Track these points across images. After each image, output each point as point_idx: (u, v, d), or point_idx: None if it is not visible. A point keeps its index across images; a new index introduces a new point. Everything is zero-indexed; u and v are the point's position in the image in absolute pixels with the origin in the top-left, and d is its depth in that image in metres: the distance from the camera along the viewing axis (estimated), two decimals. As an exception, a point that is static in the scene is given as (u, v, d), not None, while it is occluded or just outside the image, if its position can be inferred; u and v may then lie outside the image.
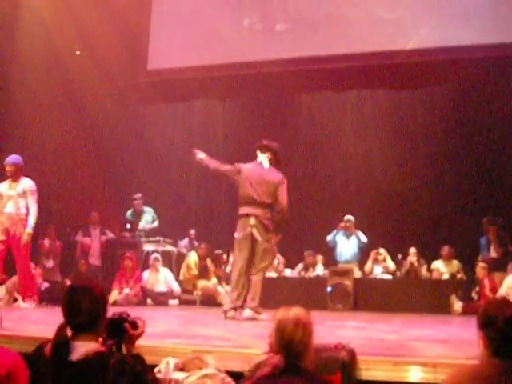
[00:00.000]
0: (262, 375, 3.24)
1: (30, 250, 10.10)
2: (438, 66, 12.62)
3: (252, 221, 8.41)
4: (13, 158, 10.07)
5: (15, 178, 9.99)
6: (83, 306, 3.16)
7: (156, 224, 13.77)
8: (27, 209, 9.92)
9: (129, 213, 13.85)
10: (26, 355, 3.47)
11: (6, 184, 10.03)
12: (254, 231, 8.39)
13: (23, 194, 9.93)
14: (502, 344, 3.06)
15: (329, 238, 13.10)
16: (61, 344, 3.12)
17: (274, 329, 3.31)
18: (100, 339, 3.30)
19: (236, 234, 8.60)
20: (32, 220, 9.89)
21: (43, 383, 3.11)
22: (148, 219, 13.71)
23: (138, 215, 13.75)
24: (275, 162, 8.85)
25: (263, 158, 8.79)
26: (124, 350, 3.32)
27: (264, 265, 8.66)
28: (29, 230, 9.84)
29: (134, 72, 14.67)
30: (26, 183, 10.05)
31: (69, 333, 3.23)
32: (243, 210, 8.54)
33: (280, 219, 8.65)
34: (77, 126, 14.61)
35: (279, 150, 8.94)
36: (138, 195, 13.79)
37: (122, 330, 3.31)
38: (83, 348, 3.10)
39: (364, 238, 12.92)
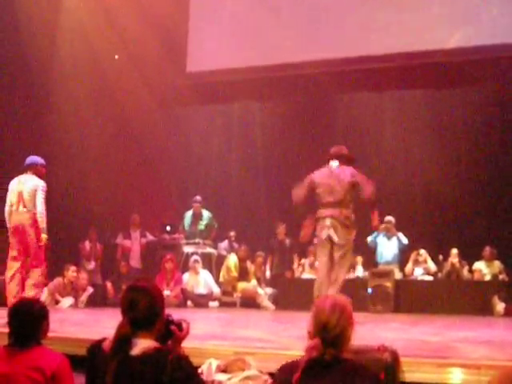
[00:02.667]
0: (304, 365, 3.21)
1: None
2: (478, 64, 12.50)
3: (328, 221, 8.38)
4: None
5: None
6: (141, 305, 3.28)
7: (214, 227, 13.92)
8: None
9: (187, 214, 13.88)
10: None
11: None
12: (331, 232, 8.37)
13: None
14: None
15: (369, 239, 13.02)
16: (122, 340, 3.24)
17: (312, 314, 3.28)
18: None
19: (315, 240, 8.60)
20: None
21: (102, 378, 3.22)
22: (204, 223, 13.75)
23: (197, 218, 13.79)
24: (348, 162, 8.83)
25: (333, 163, 8.78)
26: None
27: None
28: None
29: (172, 74, 14.74)
30: None
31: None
32: (319, 214, 8.52)
33: (370, 204, 8.71)
34: (116, 128, 14.74)
35: (346, 152, 8.92)
36: (198, 198, 13.80)
37: (169, 332, 3.38)
38: (143, 344, 3.22)
39: (405, 240, 12.83)
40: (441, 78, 13.10)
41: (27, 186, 8.67)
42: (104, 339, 3.41)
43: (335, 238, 8.35)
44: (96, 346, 3.43)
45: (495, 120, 13.82)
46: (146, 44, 14.18)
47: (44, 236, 8.65)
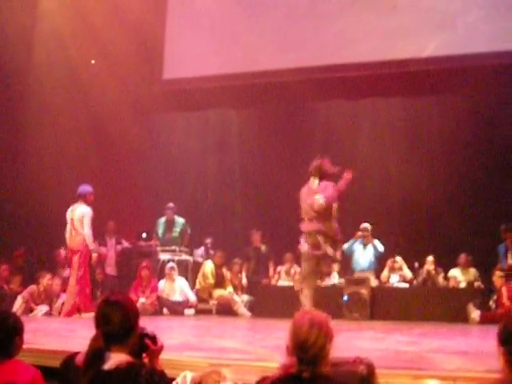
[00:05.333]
0: (274, 380, 3.19)
1: None
2: (453, 73, 12.59)
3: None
4: None
5: None
6: (114, 319, 3.27)
7: (188, 233, 13.85)
8: None
9: (160, 221, 13.82)
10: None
11: None
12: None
13: None
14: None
15: (345, 246, 13.00)
16: (95, 354, 3.22)
17: (290, 330, 3.23)
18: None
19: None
20: None
21: None
22: (178, 230, 13.69)
23: (170, 225, 13.73)
24: (325, 176, 8.96)
25: (313, 180, 8.97)
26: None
27: None
28: None
29: (149, 81, 14.72)
30: None
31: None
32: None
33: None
34: (92, 134, 14.64)
35: (321, 165, 9.02)
36: (171, 205, 13.75)
37: (144, 346, 3.35)
38: (116, 358, 3.21)
39: (381, 247, 12.84)
40: (416, 87, 13.17)
41: (76, 214, 10.97)
42: (77, 353, 3.39)
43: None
44: (69, 360, 3.41)
45: (471, 128, 13.85)
46: (123, 50, 14.13)
47: (94, 255, 11.05)
